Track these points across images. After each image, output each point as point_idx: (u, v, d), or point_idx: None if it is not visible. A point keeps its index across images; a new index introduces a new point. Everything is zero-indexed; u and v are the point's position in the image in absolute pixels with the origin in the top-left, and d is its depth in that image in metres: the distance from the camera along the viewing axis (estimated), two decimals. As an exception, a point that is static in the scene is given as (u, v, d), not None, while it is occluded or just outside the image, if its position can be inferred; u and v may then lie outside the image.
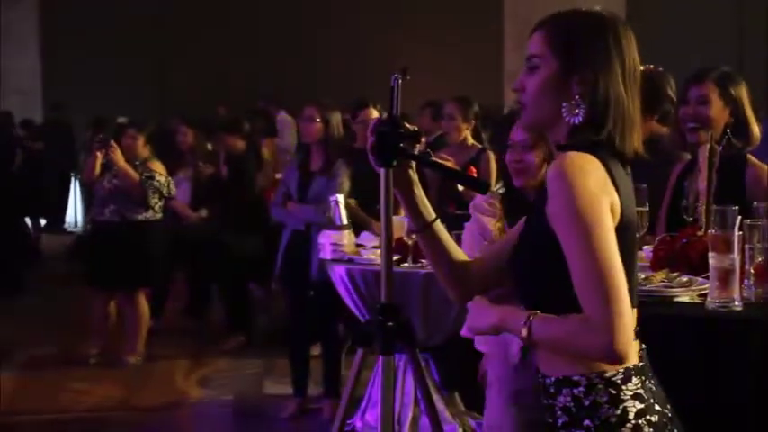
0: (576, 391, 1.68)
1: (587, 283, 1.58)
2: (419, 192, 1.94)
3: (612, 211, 1.64)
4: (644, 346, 1.75)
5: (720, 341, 2.33)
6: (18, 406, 5.32)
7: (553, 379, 1.72)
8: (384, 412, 1.98)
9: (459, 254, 1.97)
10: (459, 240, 3.15)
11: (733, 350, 2.32)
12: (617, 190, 1.65)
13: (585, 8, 1.77)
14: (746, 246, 2.44)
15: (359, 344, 2.04)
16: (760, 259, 2.45)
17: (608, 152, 1.70)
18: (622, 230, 1.65)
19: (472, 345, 3.15)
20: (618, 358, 1.58)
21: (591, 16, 1.75)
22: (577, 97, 1.70)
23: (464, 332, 3.13)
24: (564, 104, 1.71)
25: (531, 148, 2.74)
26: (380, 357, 1.96)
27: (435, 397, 4.30)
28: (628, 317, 1.57)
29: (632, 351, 1.62)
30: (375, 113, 5.21)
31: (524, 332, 1.66)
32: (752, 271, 2.45)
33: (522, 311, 1.70)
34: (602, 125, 1.70)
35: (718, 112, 3.11)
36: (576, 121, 1.71)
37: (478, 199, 2.89)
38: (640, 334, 1.73)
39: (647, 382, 1.70)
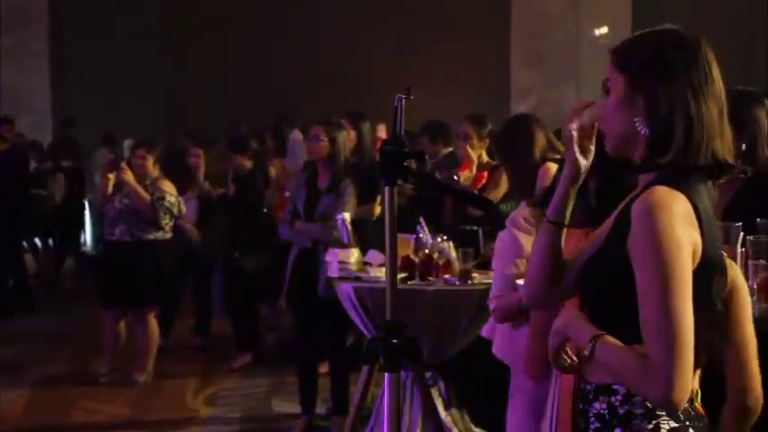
0: (613, 399, 1.70)
1: (655, 329, 1.58)
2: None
3: (694, 254, 1.63)
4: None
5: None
6: (29, 423, 5.34)
7: (594, 385, 1.74)
8: (392, 429, 1.99)
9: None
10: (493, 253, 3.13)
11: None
12: (701, 231, 1.64)
13: (658, 28, 1.77)
14: (750, 262, 2.45)
15: (365, 361, 2.06)
16: (763, 275, 2.45)
17: (694, 178, 1.68)
18: (702, 271, 1.64)
19: (481, 361, 3.15)
20: (674, 408, 1.59)
21: (657, 33, 1.76)
22: (644, 112, 1.71)
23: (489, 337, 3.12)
24: (636, 119, 1.71)
25: None
26: (386, 374, 1.98)
27: (444, 414, 4.31)
28: (689, 367, 1.57)
29: (686, 398, 1.60)
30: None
31: (587, 351, 1.67)
32: (755, 287, 2.46)
33: (589, 326, 1.70)
34: (670, 138, 1.68)
35: None
36: (647, 134, 1.71)
37: (516, 213, 2.89)
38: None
39: (688, 407, 1.68)
